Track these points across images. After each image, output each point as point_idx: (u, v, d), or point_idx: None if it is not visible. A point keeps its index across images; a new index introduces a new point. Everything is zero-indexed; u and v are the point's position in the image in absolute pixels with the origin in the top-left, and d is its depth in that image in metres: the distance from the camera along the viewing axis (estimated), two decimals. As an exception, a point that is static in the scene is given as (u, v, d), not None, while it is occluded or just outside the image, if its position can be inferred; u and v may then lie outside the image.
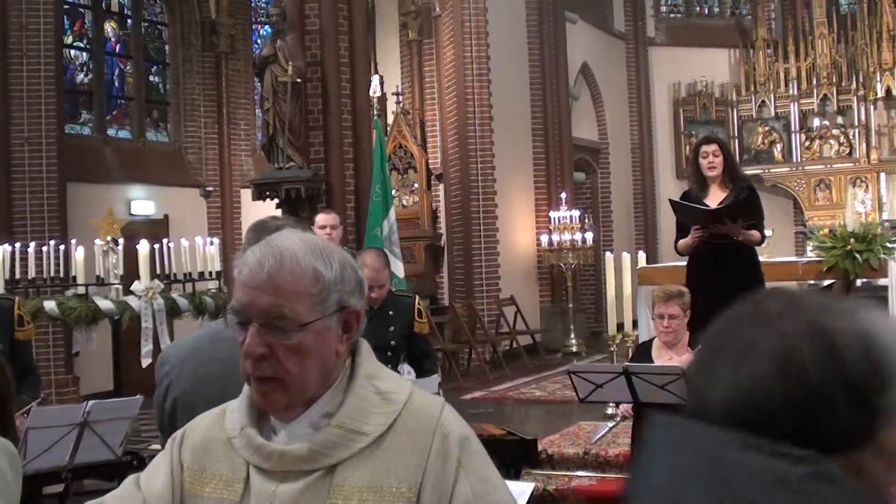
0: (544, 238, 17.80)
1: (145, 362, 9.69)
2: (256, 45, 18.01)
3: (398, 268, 11.16)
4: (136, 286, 9.84)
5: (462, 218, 16.76)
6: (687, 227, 7.79)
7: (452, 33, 16.92)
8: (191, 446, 2.04)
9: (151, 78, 17.64)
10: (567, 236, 17.55)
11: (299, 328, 1.88)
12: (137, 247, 9.91)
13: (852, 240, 9.17)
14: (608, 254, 11.50)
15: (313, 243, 1.96)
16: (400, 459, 1.90)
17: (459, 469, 1.91)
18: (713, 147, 7.82)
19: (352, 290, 1.97)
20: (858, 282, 10.56)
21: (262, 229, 3.21)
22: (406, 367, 6.76)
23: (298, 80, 12.40)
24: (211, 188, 17.57)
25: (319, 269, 1.91)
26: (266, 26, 17.40)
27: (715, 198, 7.71)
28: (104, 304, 9.69)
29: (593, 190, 21.58)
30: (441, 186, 17.48)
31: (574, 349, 17.12)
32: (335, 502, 1.88)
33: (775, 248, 16.65)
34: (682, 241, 7.88)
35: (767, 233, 9.57)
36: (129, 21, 17.16)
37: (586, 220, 18.45)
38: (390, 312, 6.49)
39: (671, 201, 8.45)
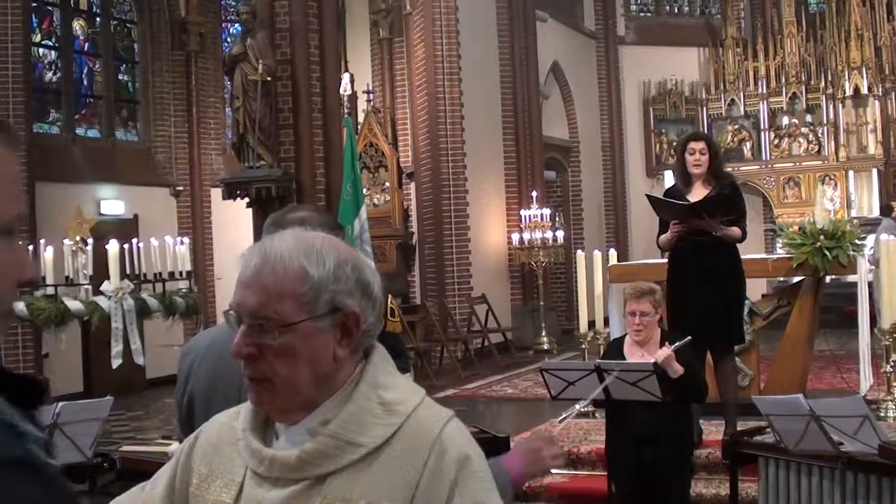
0: (515, 236, 17.84)
1: (115, 363, 9.66)
2: (226, 44, 17.93)
3: (369, 266, 11.13)
4: (105, 286, 9.79)
5: (433, 216, 16.77)
6: (669, 223, 7.82)
7: (423, 32, 16.91)
8: (202, 448, 2.00)
9: (120, 77, 17.53)
10: (538, 234, 17.60)
11: (285, 329, 1.82)
12: (107, 247, 9.87)
13: (822, 237, 9.19)
14: (579, 252, 11.54)
15: (308, 242, 1.89)
16: (393, 475, 1.82)
17: (454, 490, 1.82)
18: (700, 145, 7.83)
19: (350, 291, 1.88)
20: (828, 278, 10.62)
21: (285, 225, 3.11)
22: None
23: (268, 79, 12.36)
24: (181, 187, 17.48)
25: (307, 268, 1.84)
26: (236, 25, 17.35)
27: (698, 194, 7.73)
28: (73, 304, 9.65)
29: (564, 188, 21.64)
30: (412, 185, 17.48)
31: (545, 347, 17.17)
32: None
33: (745, 245, 16.72)
34: (662, 237, 7.90)
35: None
36: (97, 19, 17.05)
37: (557, 219, 18.48)
38: None
39: (648, 197, 8.48)
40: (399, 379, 1.96)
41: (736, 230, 7.69)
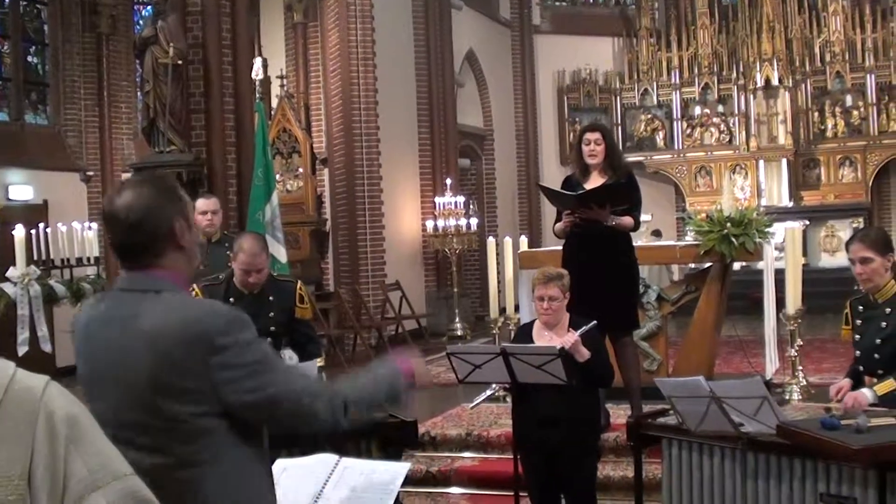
0: (430, 223, 17.84)
1: (21, 351, 9.50)
2: (138, 26, 17.67)
3: (281, 253, 11.07)
4: (11, 272, 9.62)
5: (347, 203, 16.70)
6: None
7: (337, 17, 16.81)
8: None
9: (30, 58, 17.20)
10: (452, 222, 17.63)
11: None
12: (13, 232, 9.69)
13: (729, 224, 9.34)
14: (491, 238, 11.59)
15: None
16: (5, 447, 1.78)
17: (69, 447, 1.83)
18: (596, 135, 7.92)
19: None
20: (737, 265, 10.79)
21: (113, 221, 3.06)
22: (288, 352, 6.72)
23: (179, 63, 12.21)
24: (91, 172, 17.21)
25: None
26: (148, 7, 17.11)
27: (594, 184, 7.80)
28: (-22, 291, 9.48)
29: (478, 176, 21.71)
30: (326, 171, 17.39)
31: (459, 333, 17.24)
32: None
33: (657, 228, 16.93)
34: (556, 226, 8.02)
35: (646, 217, 9.78)
36: None
37: (471, 206, 18.53)
38: (270, 297, 6.45)
39: (539, 186, 8.58)
40: None
41: (628, 219, 7.77)
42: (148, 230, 2.91)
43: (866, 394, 5.22)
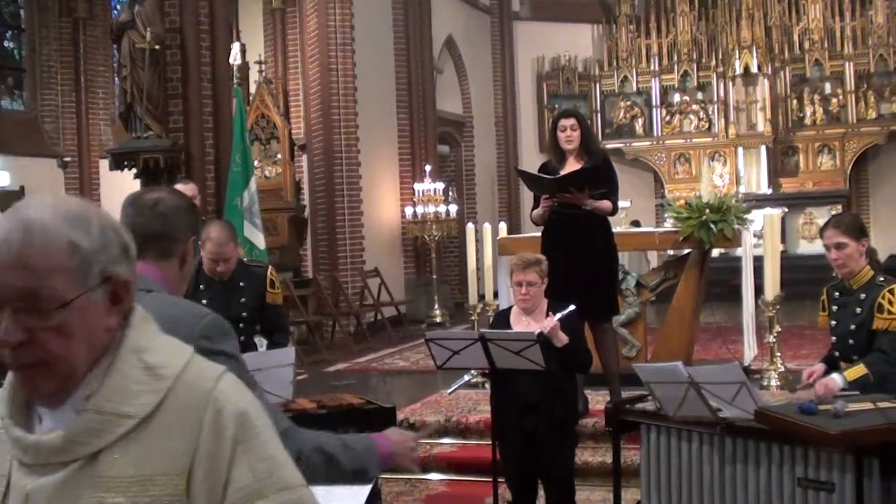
0: (409, 210, 17.83)
1: None
2: (116, 11, 17.56)
3: (259, 239, 11.04)
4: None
5: (326, 189, 16.64)
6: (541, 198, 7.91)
7: (316, 2, 16.69)
8: None
9: (6, 43, 17.13)
10: (431, 208, 17.62)
11: (60, 308, 1.66)
12: (-11, 217, 9.61)
13: (707, 210, 9.35)
14: (470, 225, 11.57)
15: (67, 208, 1.72)
16: (168, 442, 1.69)
17: (237, 449, 1.70)
18: (571, 121, 7.92)
19: (117, 258, 1.74)
20: (714, 252, 10.80)
21: (140, 206, 3.03)
22: (262, 340, 6.69)
23: (157, 47, 12.13)
24: (69, 158, 17.17)
25: (75, 239, 1.68)
26: (125, -8, 17.00)
27: (571, 170, 7.80)
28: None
29: (457, 162, 21.69)
30: (304, 157, 17.33)
31: (438, 320, 17.25)
32: (98, 496, 1.67)
33: (636, 219, 16.93)
34: (534, 212, 8.00)
35: (625, 204, 9.76)
36: (-19, -15, 16.63)
37: (450, 193, 18.50)
38: (241, 283, 6.38)
39: (517, 170, 8.56)
40: (162, 339, 1.83)
41: (606, 203, 7.78)
42: (168, 225, 2.92)
43: (836, 379, 5.24)
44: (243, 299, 6.37)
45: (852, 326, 5.45)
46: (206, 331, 2.75)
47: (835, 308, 5.63)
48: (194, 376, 1.76)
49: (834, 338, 5.63)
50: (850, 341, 5.47)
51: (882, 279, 5.43)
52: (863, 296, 5.42)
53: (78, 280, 1.68)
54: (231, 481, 1.69)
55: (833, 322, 5.63)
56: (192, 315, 2.80)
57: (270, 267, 6.95)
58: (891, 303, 5.35)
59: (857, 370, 5.24)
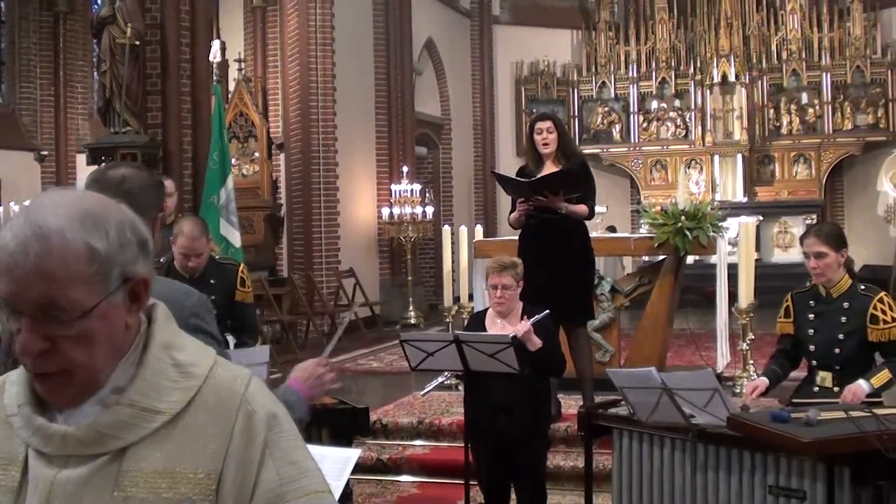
0: (385, 211, 17.82)
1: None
2: (96, 5, 17.50)
3: (235, 237, 11.01)
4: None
5: (303, 189, 16.62)
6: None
7: (297, 1, 16.69)
8: None
9: (-16, 36, 17.03)
10: (408, 210, 17.62)
11: (80, 317, 1.63)
12: (-36, 210, 9.58)
13: (683, 217, 9.38)
14: (446, 227, 11.58)
15: (83, 209, 1.67)
16: (198, 442, 1.68)
17: (266, 452, 1.70)
18: (547, 124, 7.93)
19: (135, 258, 1.71)
20: (689, 258, 10.84)
21: (104, 184, 2.98)
22: (231, 339, 6.67)
23: (137, 43, 12.09)
24: (46, 152, 17.08)
25: (93, 244, 1.63)
26: (105, -14, 16.92)
27: (548, 173, 7.81)
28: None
29: (435, 164, 21.70)
30: (282, 156, 17.29)
31: (412, 321, 17.26)
32: (124, 490, 1.66)
33: (611, 224, 16.97)
34: (511, 215, 8.01)
35: (601, 209, 9.80)
36: (-41, -24, 16.53)
37: (427, 195, 18.50)
38: (211, 280, 6.36)
39: (493, 173, 8.57)
40: (188, 339, 1.82)
41: (582, 208, 7.79)
42: (134, 204, 2.87)
43: (863, 385, 5.27)
44: (213, 296, 6.34)
45: (840, 335, 5.48)
46: (196, 309, 2.76)
47: (811, 316, 5.64)
48: (224, 378, 1.76)
49: (812, 346, 5.64)
50: (836, 350, 5.49)
51: (864, 287, 5.47)
52: (846, 304, 5.45)
53: (97, 286, 1.65)
54: (259, 483, 1.70)
55: (811, 331, 5.65)
56: (180, 292, 2.81)
57: (242, 265, 6.94)
58: (884, 312, 5.39)
59: (883, 376, 5.29)
